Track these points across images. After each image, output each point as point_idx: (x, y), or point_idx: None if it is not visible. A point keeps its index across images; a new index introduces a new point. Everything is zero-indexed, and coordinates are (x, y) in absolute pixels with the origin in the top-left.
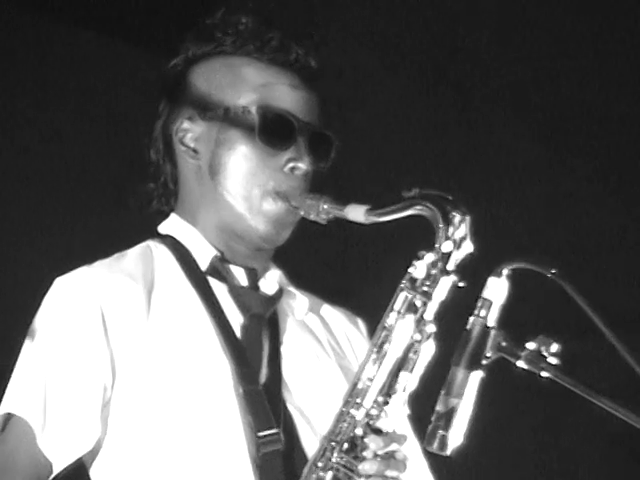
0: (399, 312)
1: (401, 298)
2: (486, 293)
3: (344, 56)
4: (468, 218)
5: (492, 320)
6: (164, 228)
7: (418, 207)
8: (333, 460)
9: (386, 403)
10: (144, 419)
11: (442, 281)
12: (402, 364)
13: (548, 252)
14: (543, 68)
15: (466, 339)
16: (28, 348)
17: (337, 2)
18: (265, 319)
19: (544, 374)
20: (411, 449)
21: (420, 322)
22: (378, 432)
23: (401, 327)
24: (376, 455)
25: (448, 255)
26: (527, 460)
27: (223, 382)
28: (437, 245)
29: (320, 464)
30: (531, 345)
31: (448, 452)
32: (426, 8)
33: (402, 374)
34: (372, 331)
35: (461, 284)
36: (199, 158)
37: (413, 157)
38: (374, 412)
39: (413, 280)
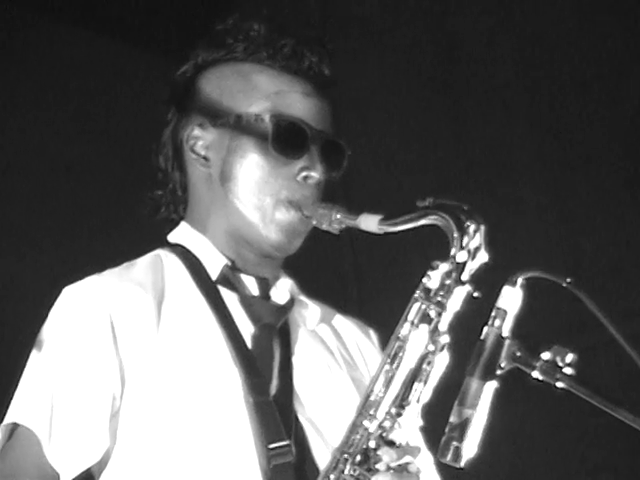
0: (413, 323)
1: (415, 308)
2: (500, 302)
3: (348, 63)
4: (483, 228)
5: (507, 330)
6: (174, 237)
7: (432, 217)
8: (346, 472)
9: (399, 415)
10: (154, 430)
11: (456, 291)
12: (415, 375)
13: (562, 261)
14: (553, 75)
15: (480, 349)
16: (35, 357)
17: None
18: (276, 329)
19: (559, 385)
20: (424, 461)
21: (434, 333)
22: (391, 444)
23: (415, 338)
24: (389, 468)
25: (463, 265)
26: (541, 471)
27: (233, 393)
28: (451, 255)
29: (332, 476)
30: (546, 355)
31: (462, 464)
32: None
33: (415, 385)
34: (384, 342)
35: (476, 294)
36: (210, 166)
37: (424, 167)
38: (387, 424)
39: (427, 290)
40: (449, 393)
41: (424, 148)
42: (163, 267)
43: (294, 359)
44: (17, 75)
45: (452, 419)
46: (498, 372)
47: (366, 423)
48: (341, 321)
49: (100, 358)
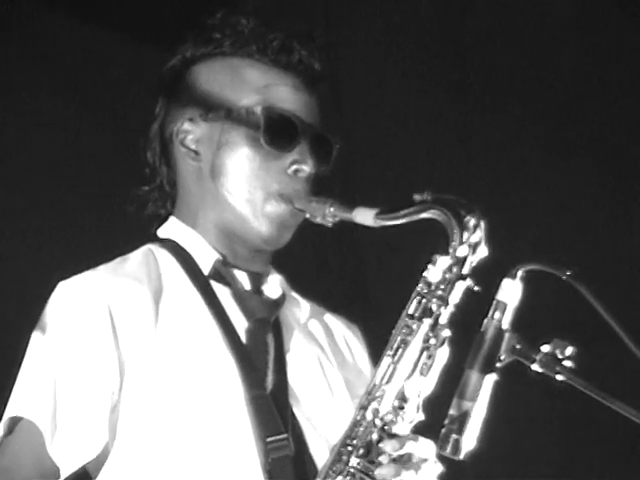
0: (414, 316)
1: (416, 302)
2: (500, 295)
3: (352, 56)
4: (483, 222)
5: (506, 322)
6: (163, 231)
7: (431, 211)
8: (349, 465)
9: (401, 408)
10: (153, 424)
11: (457, 285)
12: (417, 369)
13: (562, 253)
14: (561, 69)
15: (480, 342)
16: (34, 350)
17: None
18: (270, 324)
19: (559, 377)
20: (426, 453)
21: (435, 327)
22: (393, 437)
23: (416, 331)
24: (392, 460)
25: (463, 259)
26: (540, 463)
27: (232, 387)
28: (452, 249)
29: (336, 469)
30: (546, 348)
31: (461, 456)
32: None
33: (417, 379)
34: (383, 335)
35: (476, 288)
36: (200, 160)
37: (427, 161)
38: (389, 417)
39: (428, 284)
40: (449, 386)
41: (428, 142)
42: (157, 261)
43: (287, 354)
44: (20, 71)
45: (452, 412)
46: (498, 365)
47: (369, 416)
48: (329, 318)
49: (100, 351)
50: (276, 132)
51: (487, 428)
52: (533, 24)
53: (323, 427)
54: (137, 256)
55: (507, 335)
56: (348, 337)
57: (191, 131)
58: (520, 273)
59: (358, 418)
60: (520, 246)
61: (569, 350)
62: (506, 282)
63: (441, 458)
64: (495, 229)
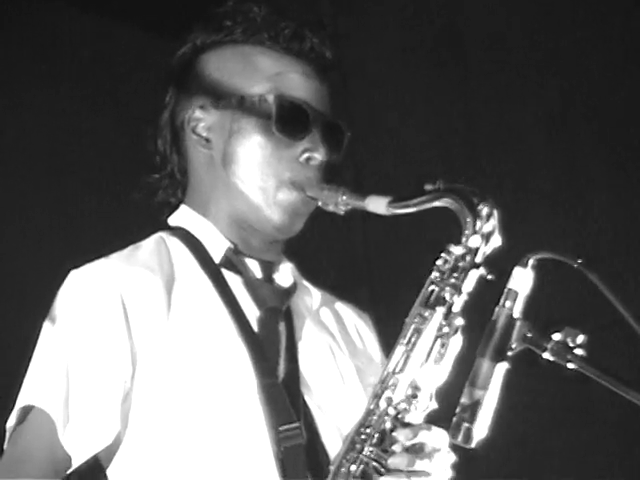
0: (428, 304)
1: (430, 290)
2: (512, 284)
3: (358, 47)
4: (496, 210)
5: (518, 311)
6: (174, 220)
7: (444, 199)
8: (363, 453)
9: (414, 397)
10: (165, 413)
11: (471, 274)
12: (430, 357)
13: (572, 241)
14: (563, 58)
15: (491, 330)
16: (47, 339)
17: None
18: (281, 312)
19: (570, 365)
20: (438, 441)
21: (449, 315)
22: (406, 425)
23: (430, 320)
24: (404, 448)
25: (476, 248)
26: (551, 451)
27: (244, 376)
28: (465, 238)
29: (350, 457)
30: (557, 336)
31: (473, 444)
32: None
33: (430, 367)
34: (395, 323)
35: (489, 277)
36: (212, 147)
37: (435, 151)
38: (403, 406)
39: (442, 272)
40: (461, 374)
41: (435, 132)
42: (168, 250)
43: (299, 343)
44: (14, 59)
45: (463, 400)
46: (509, 353)
47: (382, 405)
48: (340, 306)
49: (113, 340)
50: (288, 120)
51: (499, 417)
52: (537, 16)
53: (335, 415)
54: (149, 244)
55: (518, 323)
56: (359, 325)
57: (202, 119)
58: (531, 261)
59: (372, 407)
60: (530, 234)
61: (580, 338)
62: (517, 270)
63: (453, 447)
64: (506, 217)
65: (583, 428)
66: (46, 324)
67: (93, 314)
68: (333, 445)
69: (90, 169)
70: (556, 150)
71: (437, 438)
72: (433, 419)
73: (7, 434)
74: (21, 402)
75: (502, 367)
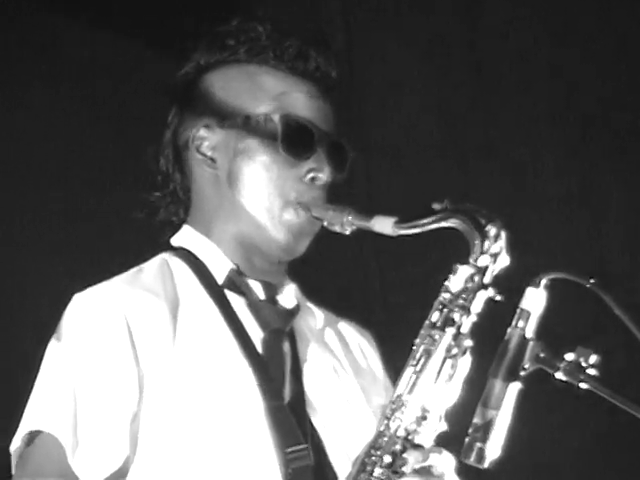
0: (436, 326)
1: (438, 312)
2: (524, 304)
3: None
4: (504, 231)
5: (530, 331)
6: (177, 240)
7: (451, 220)
8: (374, 475)
9: (424, 418)
10: (173, 437)
11: (479, 295)
12: (440, 378)
13: (584, 261)
14: (578, 64)
15: (504, 350)
16: (52, 362)
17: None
18: (285, 334)
19: (583, 385)
20: (446, 465)
21: (458, 336)
22: (416, 447)
23: (439, 341)
24: (414, 470)
25: (485, 269)
26: (565, 471)
27: (250, 399)
28: (473, 259)
29: (360, 478)
30: (570, 356)
31: (486, 465)
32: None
33: (440, 389)
34: (406, 342)
35: (498, 298)
36: (217, 167)
37: (448, 164)
38: (413, 427)
39: (450, 294)
40: (472, 394)
41: (448, 145)
42: (172, 272)
43: (303, 364)
44: (25, 75)
45: (476, 420)
46: (522, 373)
47: (392, 426)
48: (343, 326)
49: (119, 363)
50: (293, 140)
51: (511, 437)
52: (548, 22)
53: (341, 436)
54: (152, 267)
55: (531, 343)
56: (362, 344)
57: (207, 138)
58: (544, 281)
59: (382, 429)
60: (544, 253)
61: (593, 358)
62: (530, 291)
63: (465, 467)
64: (519, 235)
65: (595, 448)
66: (51, 347)
67: (99, 337)
68: (341, 466)
69: (91, 187)
70: (570, 163)
71: (446, 461)
72: (445, 439)
73: (13, 457)
74: (28, 426)
75: (515, 387)
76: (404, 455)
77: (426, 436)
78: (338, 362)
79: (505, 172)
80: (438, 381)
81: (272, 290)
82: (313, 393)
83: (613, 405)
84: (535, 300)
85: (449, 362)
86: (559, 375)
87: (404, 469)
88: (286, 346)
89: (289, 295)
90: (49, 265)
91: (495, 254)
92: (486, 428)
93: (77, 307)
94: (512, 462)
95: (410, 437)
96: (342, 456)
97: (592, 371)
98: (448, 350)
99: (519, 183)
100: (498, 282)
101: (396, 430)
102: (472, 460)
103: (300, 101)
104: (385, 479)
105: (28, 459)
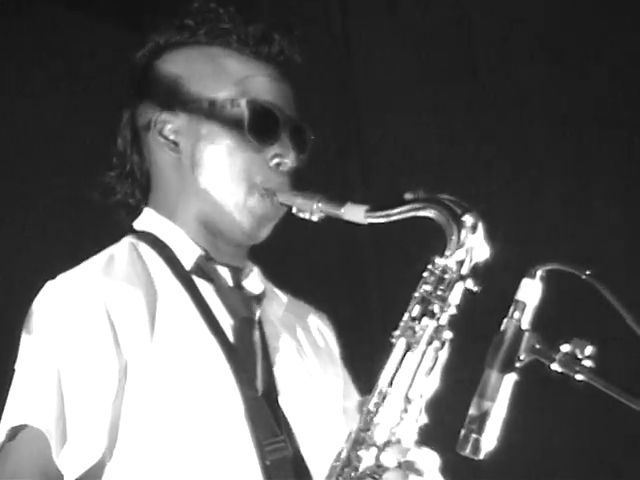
0: (416, 318)
1: (418, 304)
2: (520, 295)
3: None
4: (480, 220)
5: (526, 322)
6: (141, 224)
7: (427, 210)
8: (360, 470)
9: (405, 411)
10: (152, 428)
11: (457, 286)
12: (420, 371)
13: (580, 252)
14: (572, 64)
15: (500, 341)
16: (29, 354)
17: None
18: (255, 322)
19: (579, 377)
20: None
21: (437, 328)
22: (399, 442)
23: (419, 334)
24: (398, 464)
25: (462, 260)
26: (561, 461)
27: (227, 390)
28: (449, 250)
29: (346, 473)
30: (565, 347)
31: (481, 456)
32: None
33: (420, 381)
34: (377, 340)
35: (476, 288)
36: (179, 151)
37: (444, 158)
38: (395, 421)
39: (429, 285)
40: (467, 386)
41: (444, 140)
42: (142, 259)
43: (274, 354)
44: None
45: (471, 411)
46: (517, 364)
47: (375, 420)
48: (302, 307)
49: (103, 352)
50: (260, 125)
51: (506, 428)
52: (550, 11)
53: (312, 425)
54: (123, 254)
55: (527, 335)
56: (320, 326)
57: (170, 121)
58: (539, 272)
59: (364, 423)
60: (539, 245)
61: (589, 349)
62: (525, 282)
63: (460, 458)
64: (516, 227)
65: (591, 438)
66: (27, 338)
67: (80, 324)
68: (316, 455)
69: (46, 168)
70: (567, 160)
71: (428, 458)
72: (425, 432)
73: None
74: (12, 420)
75: (510, 378)
76: (387, 449)
77: (408, 430)
78: (300, 346)
79: (503, 168)
80: (418, 373)
81: (239, 275)
82: (283, 383)
83: (609, 396)
84: (531, 291)
85: (429, 354)
86: (555, 366)
87: (387, 463)
88: (256, 335)
89: (255, 280)
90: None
91: (472, 245)
92: (482, 419)
93: (52, 294)
94: (507, 453)
95: (393, 430)
96: (314, 446)
97: (588, 362)
98: (429, 342)
99: (517, 178)
100: (477, 273)
101: (378, 424)
102: (468, 451)
103: (264, 85)
104: (370, 474)
105: (9, 454)
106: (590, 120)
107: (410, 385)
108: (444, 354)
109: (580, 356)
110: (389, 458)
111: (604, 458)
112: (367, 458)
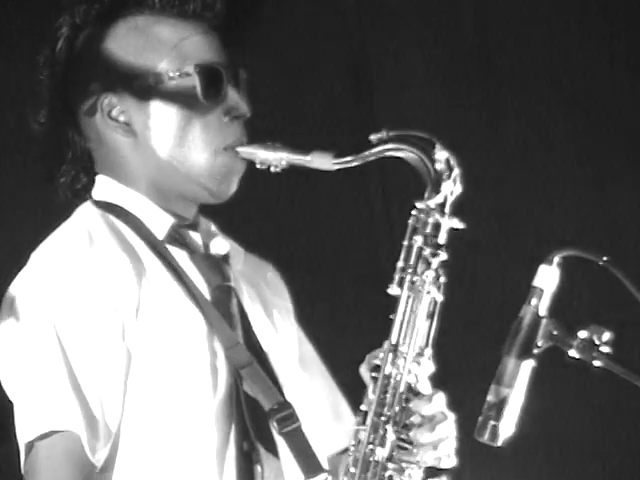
0: (415, 269)
1: (411, 253)
2: (537, 281)
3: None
4: (450, 154)
5: (544, 309)
6: (100, 194)
7: (396, 149)
8: (388, 434)
9: (419, 364)
10: (143, 408)
11: (444, 224)
12: (426, 320)
13: (597, 238)
14: (589, 50)
15: (517, 328)
16: (27, 342)
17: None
18: (232, 289)
19: (596, 363)
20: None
21: (432, 274)
22: (418, 394)
23: (422, 283)
24: (423, 418)
25: (445, 197)
26: (581, 449)
27: (220, 361)
28: (428, 192)
29: (375, 440)
30: (583, 334)
31: (499, 443)
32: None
33: (426, 329)
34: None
35: (461, 226)
36: (133, 131)
37: (460, 145)
38: (412, 378)
39: (416, 231)
40: (486, 373)
41: (460, 126)
42: (120, 231)
43: (251, 320)
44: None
45: (489, 398)
46: (535, 351)
47: (392, 381)
48: (254, 259)
49: (110, 335)
50: (210, 86)
51: (525, 415)
52: (564, 32)
53: (294, 381)
54: (98, 226)
55: (544, 321)
56: (271, 276)
57: (116, 103)
58: (557, 259)
59: (383, 385)
60: (558, 231)
61: (606, 336)
62: (543, 268)
63: (479, 444)
64: (533, 214)
65: (608, 424)
66: (11, 324)
67: (81, 302)
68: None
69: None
70: (583, 144)
71: (440, 400)
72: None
73: (24, 464)
74: (42, 429)
75: (528, 365)
76: (410, 405)
77: (425, 383)
78: (267, 303)
79: (519, 154)
80: (425, 323)
81: (206, 237)
82: (265, 347)
83: (627, 382)
84: (548, 278)
85: (430, 301)
86: (572, 353)
87: (412, 419)
88: (233, 303)
89: (221, 241)
90: None
91: (450, 181)
92: (500, 406)
93: (47, 274)
94: (525, 439)
95: (412, 386)
96: (302, 404)
97: (605, 348)
98: (428, 292)
99: (534, 164)
100: (458, 209)
101: (398, 383)
102: (486, 438)
103: (200, 44)
104: (400, 436)
105: (41, 451)
106: (609, 105)
107: (419, 336)
108: (440, 297)
109: (598, 342)
110: (412, 414)
111: (621, 444)
112: (394, 421)
